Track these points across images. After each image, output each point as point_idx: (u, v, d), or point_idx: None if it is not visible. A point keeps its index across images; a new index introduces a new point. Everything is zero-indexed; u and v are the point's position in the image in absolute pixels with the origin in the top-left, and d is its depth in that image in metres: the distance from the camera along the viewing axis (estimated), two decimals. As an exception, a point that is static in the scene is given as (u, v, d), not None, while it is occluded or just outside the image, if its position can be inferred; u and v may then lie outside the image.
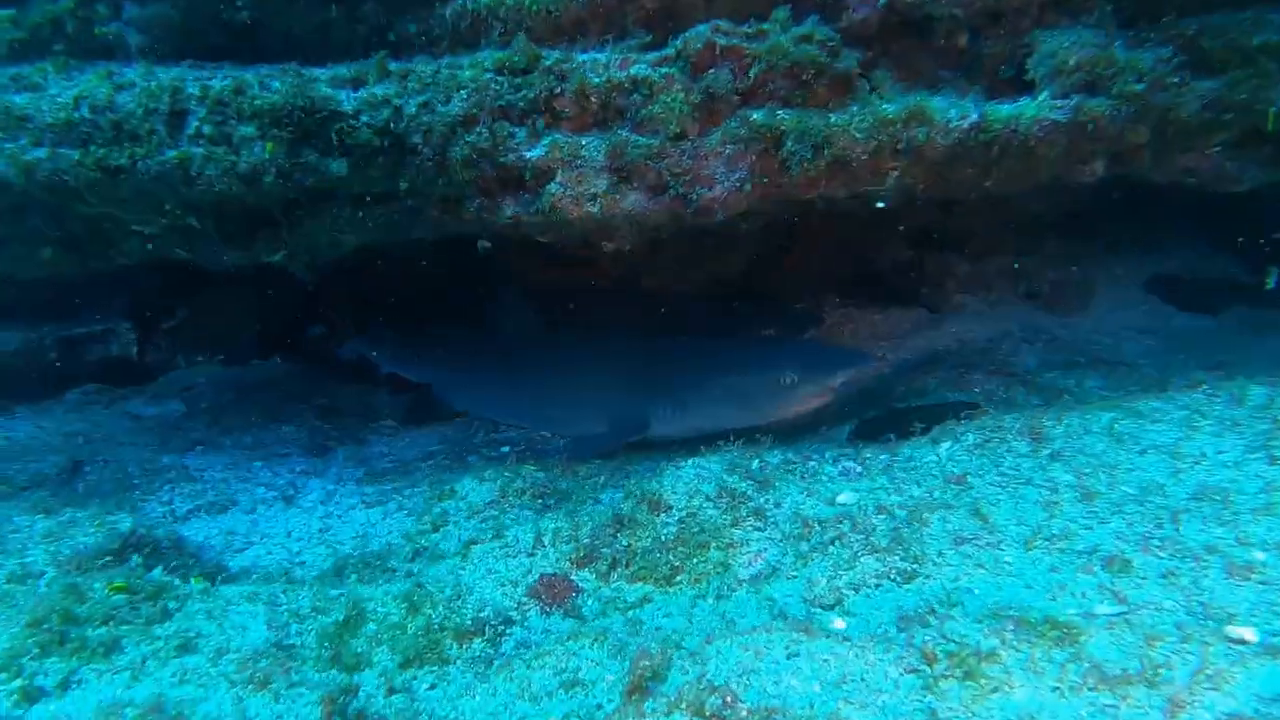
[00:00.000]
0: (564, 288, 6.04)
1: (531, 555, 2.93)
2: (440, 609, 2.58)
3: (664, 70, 3.64)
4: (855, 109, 3.64)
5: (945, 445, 3.28)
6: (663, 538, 2.82)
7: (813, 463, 3.44)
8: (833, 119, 3.60)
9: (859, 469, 3.24)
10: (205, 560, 3.37)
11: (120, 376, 7.42)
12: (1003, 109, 3.69)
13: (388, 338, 6.21)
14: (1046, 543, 2.42)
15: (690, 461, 3.27)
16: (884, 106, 3.62)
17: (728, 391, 4.46)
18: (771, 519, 2.84)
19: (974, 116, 3.61)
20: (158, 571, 2.57)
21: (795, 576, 2.52)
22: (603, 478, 3.95)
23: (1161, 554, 2.27)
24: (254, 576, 3.35)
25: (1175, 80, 3.72)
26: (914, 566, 2.39)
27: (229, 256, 4.11)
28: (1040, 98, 3.69)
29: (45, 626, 2.21)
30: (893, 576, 2.39)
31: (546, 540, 2.96)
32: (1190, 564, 2.21)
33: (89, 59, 3.63)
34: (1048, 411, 3.39)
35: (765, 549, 2.73)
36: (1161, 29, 3.82)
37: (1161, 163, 4.04)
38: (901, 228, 6.59)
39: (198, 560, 3.30)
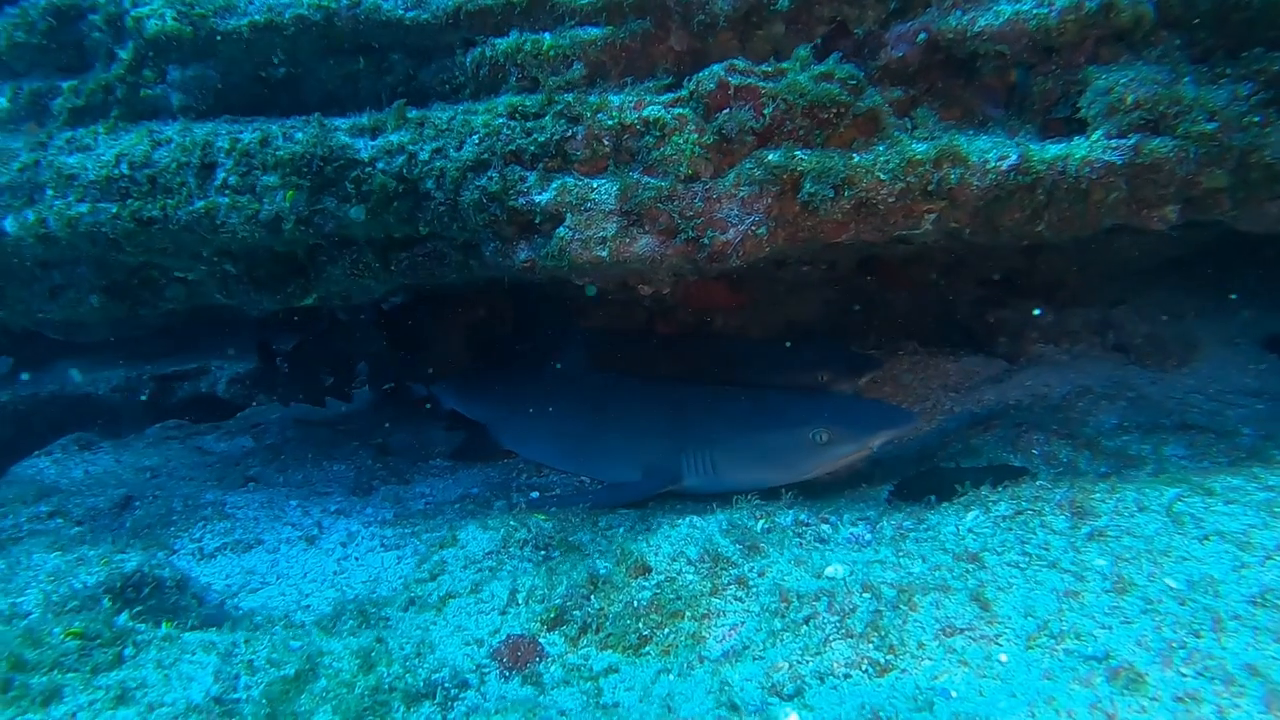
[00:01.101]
0: (623, 330, 5.98)
1: (504, 614, 2.79)
2: (396, 667, 2.47)
3: (677, 111, 3.51)
4: (882, 149, 3.41)
5: (972, 515, 2.95)
6: (636, 603, 2.62)
7: (826, 526, 3.17)
8: (856, 159, 3.38)
9: (869, 536, 2.96)
10: (208, 601, 3.40)
11: (203, 412, 7.83)
12: (1049, 149, 3.38)
13: (450, 375, 6.29)
14: (1051, 641, 2.09)
15: (686, 520, 3.07)
16: (913, 146, 3.38)
17: (757, 448, 4.24)
18: (754, 589, 2.59)
19: (1014, 158, 3.32)
20: (124, 617, 2.57)
21: (761, 658, 2.27)
22: (621, 530, 3.79)
23: (1186, 671, 1.91)
24: (256, 619, 3.36)
25: (1257, 119, 3.32)
26: (889, 658, 2.11)
27: (264, 301, 4.23)
28: (1093, 137, 3.36)
29: (-7, 673, 2.23)
30: (864, 667, 2.11)
31: (521, 598, 2.82)
32: (1219, 687, 1.84)
33: (138, 120, 3.84)
34: (1100, 483, 3.00)
35: (742, 622, 2.49)
36: (1242, 64, 3.42)
37: (1248, 210, 3.61)
38: (988, 275, 6.24)
39: (200, 601, 3.33)
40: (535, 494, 4.98)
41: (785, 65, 3.46)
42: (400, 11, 3.74)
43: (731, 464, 4.29)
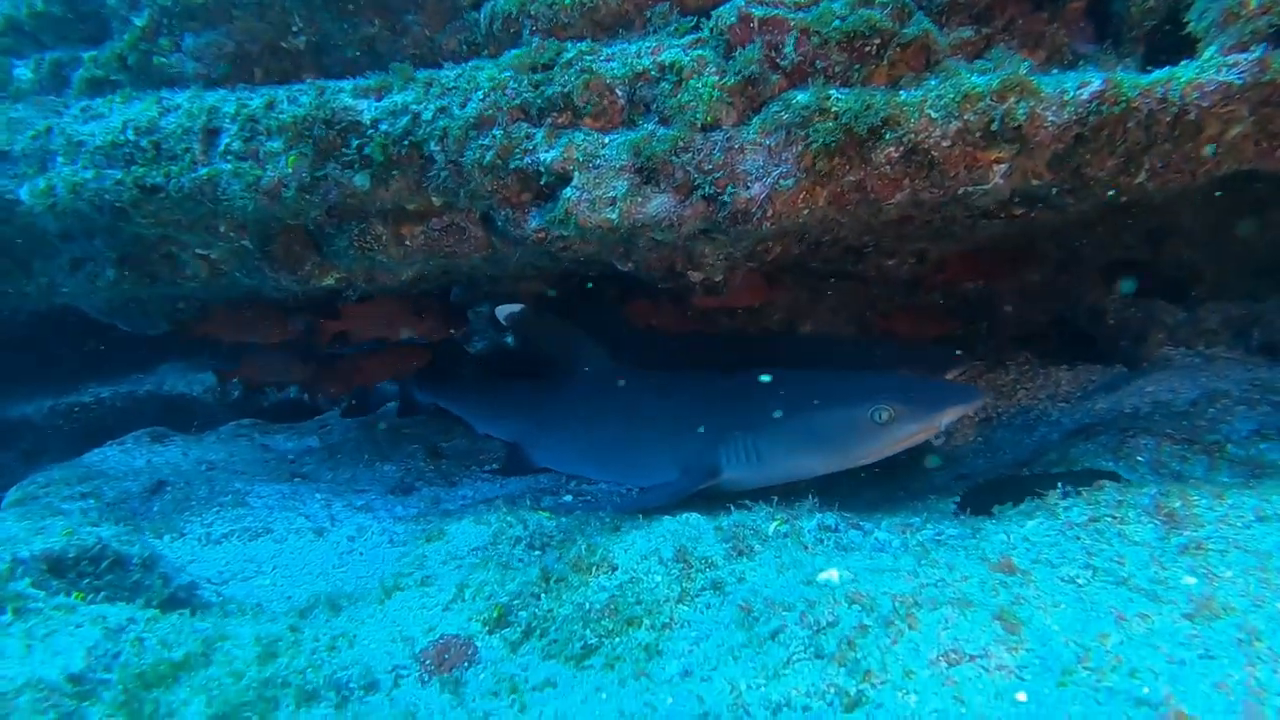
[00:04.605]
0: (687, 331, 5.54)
1: (446, 610, 2.40)
2: (301, 659, 2.13)
3: (696, 53, 3.09)
4: (934, 83, 2.86)
5: (1034, 523, 2.34)
6: (589, 605, 2.17)
7: (855, 533, 2.62)
8: (902, 96, 2.84)
9: (897, 543, 2.39)
10: (178, 583, 3.19)
11: (293, 416, 7.88)
12: (1145, 75, 2.74)
13: (458, 388, 5.96)
14: (1092, 676, 1.50)
15: (682, 517, 2.60)
16: (971, 79, 2.81)
17: (807, 430, 3.68)
18: (729, 596, 2.09)
19: (1097, 83, 2.70)
20: (24, 583, 2.35)
21: (708, 679, 1.77)
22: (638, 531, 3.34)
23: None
24: (228, 606, 3.12)
25: None
26: (862, 687, 1.57)
27: (283, 281, 4.07)
28: (1205, 55, 2.70)
29: None
30: (828, 697, 1.58)
31: (468, 594, 2.42)
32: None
33: (155, 89, 3.76)
34: (1206, 487, 2.33)
35: (710, 633, 2.00)
36: None
37: None
38: (1107, 268, 5.44)
39: (167, 581, 3.11)
40: (569, 498, 4.59)
41: (819, -7, 2.98)
42: (410, -35, 3.52)
43: (777, 450, 3.75)
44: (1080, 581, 1.90)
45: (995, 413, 5.40)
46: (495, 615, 2.29)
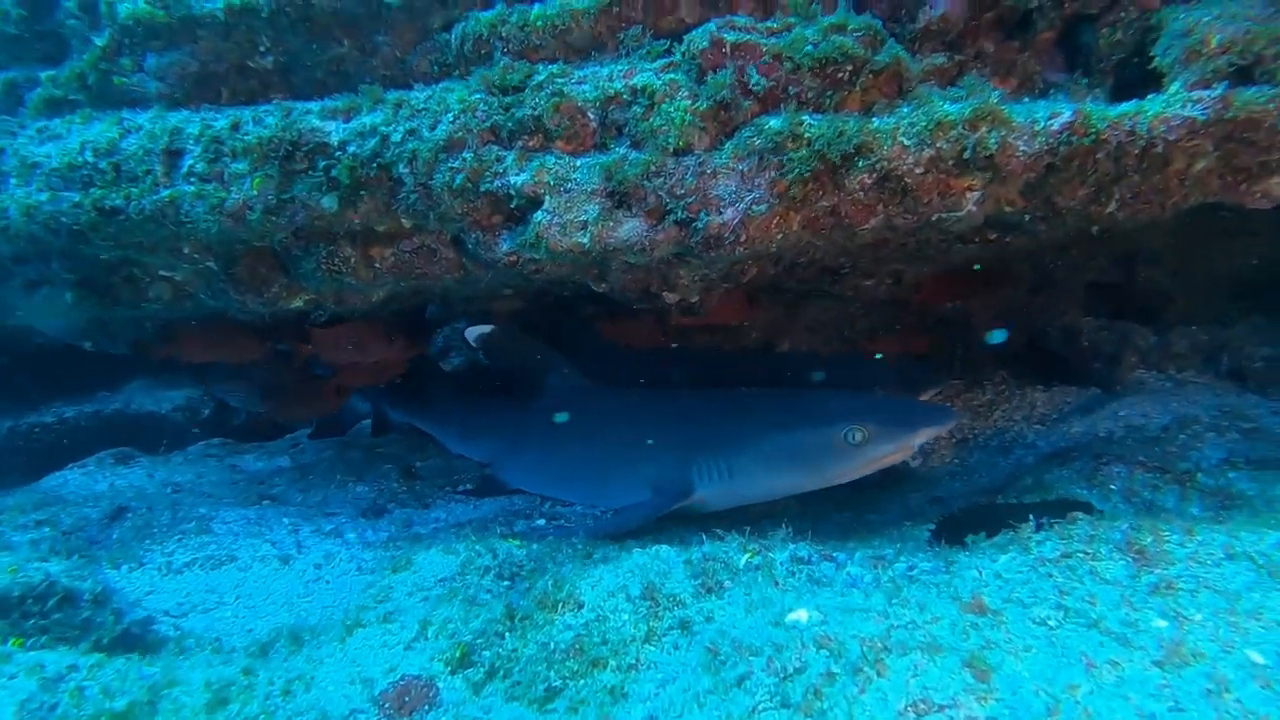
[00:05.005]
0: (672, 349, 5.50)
1: (409, 649, 2.33)
2: (254, 706, 2.06)
3: (668, 77, 3.07)
4: (906, 110, 2.85)
5: (1007, 557, 2.31)
6: (554, 645, 2.11)
7: (828, 565, 2.59)
8: (875, 123, 2.83)
9: (869, 578, 2.35)
10: (132, 618, 3.09)
11: (264, 434, 7.73)
12: (1115, 108, 2.75)
13: (432, 407, 5.88)
14: (1062, 728, 1.46)
15: (653, 549, 2.55)
16: (944, 106, 2.80)
17: (780, 450, 3.66)
18: (697, 636, 2.04)
19: (1067, 114, 2.70)
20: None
21: (672, 729, 1.72)
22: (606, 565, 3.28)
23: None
24: (186, 642, 3.03)
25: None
26: (828, 739, 1.53)
27: (249, 303, 3.99)
28: (1170, 90, 2.71)
29: None
30: (794, 751, 1.54)
31: (431, 632, 2.35)
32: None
33: (116, 110, 3.68)
34: (1178, 521, 2.32)
35: (676, 676, 1.95)
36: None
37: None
38: (1080, 291, 5.47)
39: (119, 618, 3.02)
40: (542, 521, 4.52)
41: (793, 19, 2.97)
42: (379, -15, 3.47)
43: (750, 470, 3.73)
44: (1052, 624, 1.87)
45: (972, 434, 5.40)
46: (458, 655, 2.23)
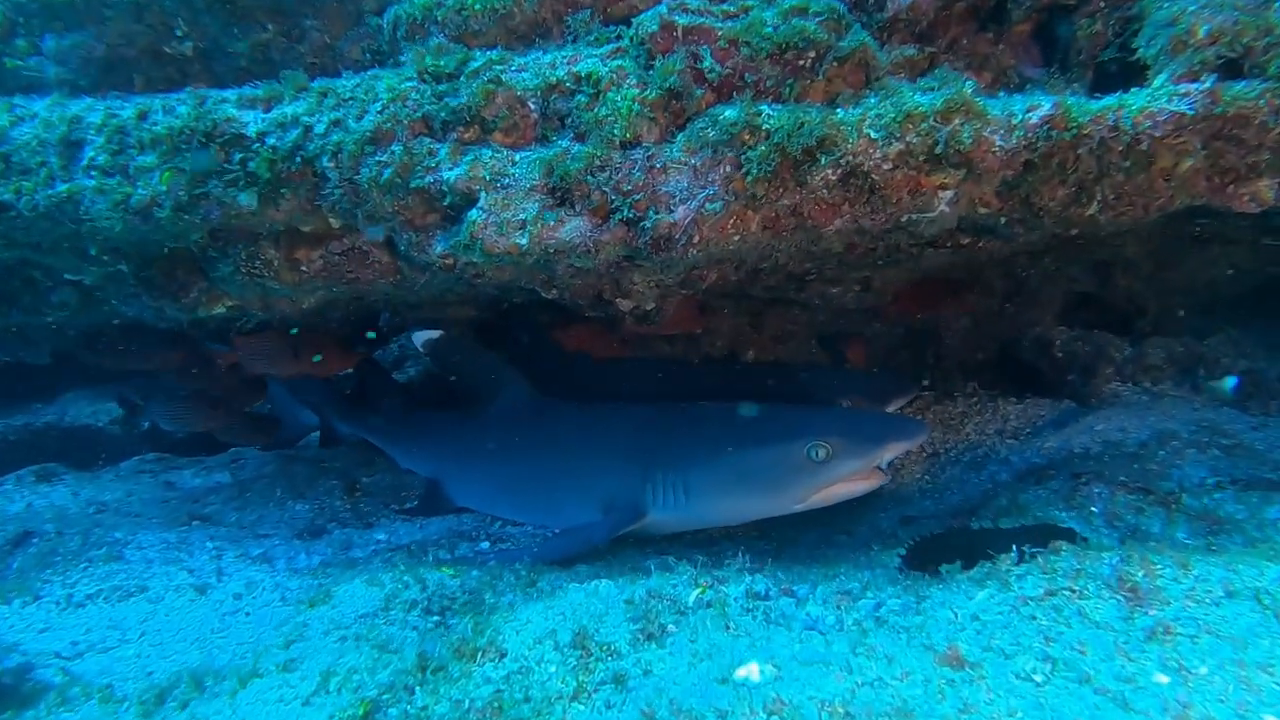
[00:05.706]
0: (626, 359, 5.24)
1: (307, 704, 2.03)
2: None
3: (615, 64, 2.81)
4: (873, 101, 2.62)
5: (984, 594, 2.07)
6: (469, 702, 1.83)
7: (787, 601, 2.33)
8: (839, 114, 2.59)
9: (832, 619, 2.10)
10: (3, 665, 2.75)
11: (207, 448, 7.32)
12: (1095, 101, 2.54)
13: (381, 419, 5.56)
14: (1058, 821, 1.21)
15: (591, 585, 2.27)
16: (914, 98, 2.57)
17: (738, 468, 3.41)
18: (633, 693, 1.77)
19: (1046, 107, 2.48)
20: None
21: (595, 816, 1.45)
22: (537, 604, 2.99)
23: None
24: (70, 691, 2.70)
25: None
26: (777, 836, 1.27)
27: (166, 310, 3.67)
28: (1155, 83, 2.50)
29: None
30: None
31: (334, 684, 2.06)
32: None
33: (8, 95, 3.35)
34: (1169, 551, 2.09)
35: (607, 744, 1.68)
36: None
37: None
38: (1055, 300, 5.31)
39: (-6, 664, 2.69)
40: (485, 544, 4.23)
41: (751, 1, 2.73)
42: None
43: (707, 490, 3.47)
44: (1038, 679, 1.62)
45: (943, 448, 5.19)
46: (361, 714, 1.93)
